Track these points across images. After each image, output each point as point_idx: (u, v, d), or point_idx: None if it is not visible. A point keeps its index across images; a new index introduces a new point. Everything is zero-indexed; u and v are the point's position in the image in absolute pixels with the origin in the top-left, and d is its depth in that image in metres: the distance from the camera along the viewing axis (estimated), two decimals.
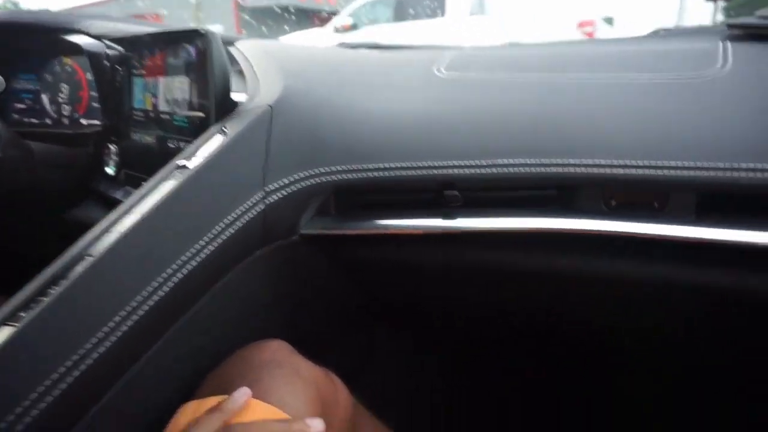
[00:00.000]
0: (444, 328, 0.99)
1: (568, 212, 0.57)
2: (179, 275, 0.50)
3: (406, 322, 0.97)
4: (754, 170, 0.49)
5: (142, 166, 0.79)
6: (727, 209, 0.53)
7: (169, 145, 0.75)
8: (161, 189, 0.55)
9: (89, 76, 0.93)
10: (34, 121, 1.02)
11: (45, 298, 0.45)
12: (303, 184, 0.61)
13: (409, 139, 0.62)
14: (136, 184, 0.63)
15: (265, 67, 0.75)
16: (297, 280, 0.66)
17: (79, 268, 0.47)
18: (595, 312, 0.72)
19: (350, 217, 0.64)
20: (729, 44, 0.66)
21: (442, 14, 5.21)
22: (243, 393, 0.45)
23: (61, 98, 0.99)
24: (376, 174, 0.61)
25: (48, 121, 1.01)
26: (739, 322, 0.62)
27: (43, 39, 0.97)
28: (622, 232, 0.54)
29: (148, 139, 0.80)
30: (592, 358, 0.94)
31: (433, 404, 0.98)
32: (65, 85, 0.98)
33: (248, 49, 0.83)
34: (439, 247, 0.64)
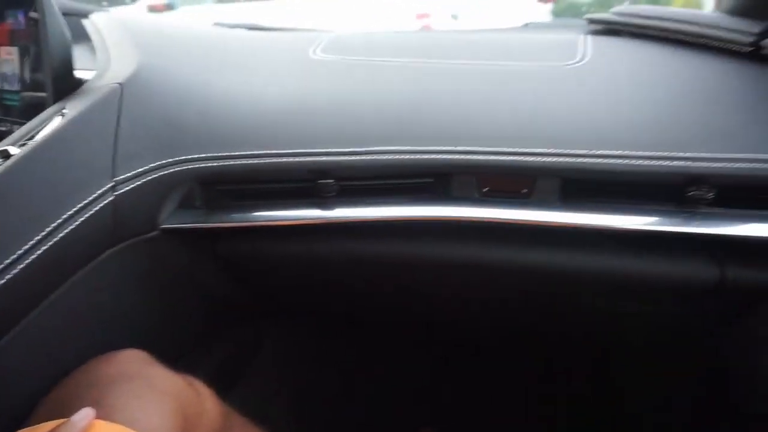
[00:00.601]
0: (332, 322, 0.96)
1: (442, 200, 0.57)
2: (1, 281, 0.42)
3: (292, 318, 0.93)
4: (610, 156, 0.52)
5: None
6: (590, 194, 0.55)
7: (0, 129, 0.64)
8: None
9: None
10: None
11: None
12: (161, 173, 0.55)
13: (280, 125, 0.58)
14: None
15: (120, 41, 0.67)
16: (160, 280, 0.60)
17: None
18: (474, 295, 0.73)
19: (218, 208, 0.59)
20: (589, 37, 0.70)
21: None
22: (84, 415, 0.39)
23: None
24: (244, 162, 0.56)
25: None
26: (604, 302, 0.66)
27: None
28: (492, 219, 0.55)
29: None
30: (477, 340, 0.97)
31: (320, 405, 0.96)
32: None
33: (103, 22, 0.73)
34: (314, 237, 0.61)
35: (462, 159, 0.54)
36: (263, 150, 0.56)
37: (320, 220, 0.58)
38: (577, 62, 0.63)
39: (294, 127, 0.58)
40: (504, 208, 0.55)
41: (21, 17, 0.60)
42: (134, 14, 0.85)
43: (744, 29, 0.60)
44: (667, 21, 0.66)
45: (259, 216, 0.58)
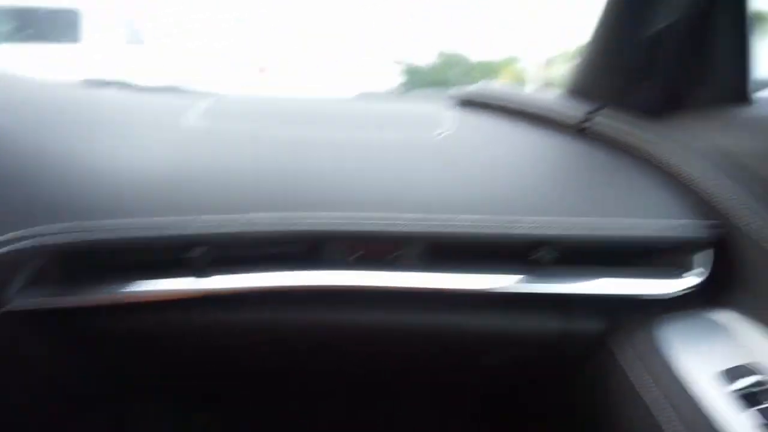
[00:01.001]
0: (209, 395, 0.92)
1: (315, 266, 0.58)
2: None
3: (163, 395, 0.88)
4: (467, 222, 0.57)
5: None
6: (452, 258, 0.59)
7: None
8: None
9: None
10: None
11: None
12: (11, 247, 0.51)
13: (150, 194, 0.57)
14: None
15: None
16: (2, 366, 0.55)
17: None
18: (353, 358, 0.74)
19: (76, 283, 0.56)
20: (454, 111, 0.77)
21: (77, 39, 4.51)
22: None
23: None
24: (109, 233, 0.54)
25: None
26: (464, 359, 0.70)
27: None
28: (361, 285, 0.57)
29: None
30: (359, 407, 0.97)
31: None
32: None
33: None
34: (187, 310, 0.60)
35: (333, 227, 0.56)
36: (130, 219, 0.54)
37: (191, 293, 0.56)
38: (442, 134, 0.69)
39: (165, 196, 0.57)
40: (373, 273, 0.58)
41: None
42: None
43: (574, 109, 0.70)
44: (514, 101, 0.75)
45: (124, 291, 0.56)
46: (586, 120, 0.68)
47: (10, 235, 0.51)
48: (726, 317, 0.56)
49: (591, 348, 0.61)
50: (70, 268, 0.55)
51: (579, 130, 0.69)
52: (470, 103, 0.80)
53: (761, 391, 0.48)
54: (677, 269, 0.59)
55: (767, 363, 0.50)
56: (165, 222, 0.55)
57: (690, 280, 0.58)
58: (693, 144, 0.59)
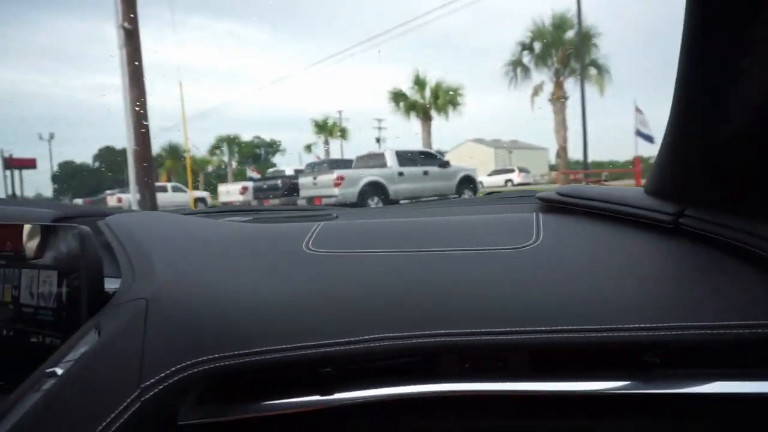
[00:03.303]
0: None
1: (431, 377, 0.64)
2: None
3: None
4: (567, 331, 0.61)
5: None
6: (555, 365, 0.63)
7: (32, 339, 0.72)
8: (26, 401, 0.53)
9: None
10: None
11: None
12: (181, 375, 0.62)
13: (280, 322, 0.66)
14: None
15: (139, 249, 0.77)
16: None
17: None
18: None
19: (235, 401, 0.65)
20: (542, 216, 0.82)
21: None
22: None
23: None
24: (251, 359, 0.63)
25: None
26: None
27: None
28: (474, 392, 0.62)
29: (4, 333, 0.76)
30: None
31: None
32: None
33: (119, 227, 0.84)
34: (323, 422, 0.67)
35: (444, 341, 0.63)
36: (268, 347, 0.64)
37: (324, 405, 0.64)
38: (533, 243, 0.74)
39: (294, 323, 0.66)
40: (485, 382, 0.63)
41: (60, 245, 0.71)
42: (150, 215, 0.96)
43: (663, 208, 0.72)
44: (600, 201, 0.79)
45: (274, 405, 0.64)
46: (678, 218, 0.70)
47: (179, 365, 0.62)
48: None
49: None
50: (225, 387, 0.65)
51: (672, 229, 0.71)
52: (556, 206, 0.85)
53: None
54: None
55: None
56: (293, 347, 0.64)
57: None
58: None
